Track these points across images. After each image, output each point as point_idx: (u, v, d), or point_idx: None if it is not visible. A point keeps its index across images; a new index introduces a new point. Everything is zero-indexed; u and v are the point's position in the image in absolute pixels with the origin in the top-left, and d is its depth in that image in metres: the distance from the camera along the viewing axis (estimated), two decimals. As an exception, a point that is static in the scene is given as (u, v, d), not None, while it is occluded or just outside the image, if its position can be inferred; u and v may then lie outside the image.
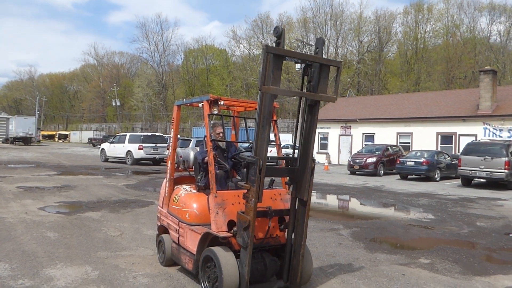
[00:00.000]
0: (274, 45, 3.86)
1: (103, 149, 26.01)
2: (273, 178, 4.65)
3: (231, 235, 4.10)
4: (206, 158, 4.90)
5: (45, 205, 9.48)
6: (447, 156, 20.79)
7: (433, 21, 53.25)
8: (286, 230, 4.47)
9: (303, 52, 40.33)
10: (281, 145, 5.13)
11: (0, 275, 4.76)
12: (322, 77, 4.06)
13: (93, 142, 55.63)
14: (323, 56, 4.19)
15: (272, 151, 17.93)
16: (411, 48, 54.53)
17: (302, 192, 4.21)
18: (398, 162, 20.55)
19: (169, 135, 5.75)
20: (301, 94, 4.14)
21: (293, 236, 4.38)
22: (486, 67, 27.11)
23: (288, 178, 4.44)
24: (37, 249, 5.87)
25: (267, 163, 3.95)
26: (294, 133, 4.66)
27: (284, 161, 4.65)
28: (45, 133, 76.72)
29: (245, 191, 3.95)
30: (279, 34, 3.78)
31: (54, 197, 10.76)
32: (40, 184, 13.04)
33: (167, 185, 5.40)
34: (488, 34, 50.50)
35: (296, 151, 4.36)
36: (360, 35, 57.04)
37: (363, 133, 30.01)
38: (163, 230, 5.44)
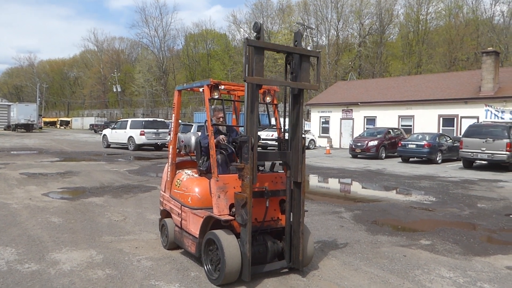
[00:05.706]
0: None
1: (105, 135, 26.04)
2: (274, 162, 4.74)
3: (233, 218, 4.16)
4: None
5: (49, 191, 9.56)
6: (448, 139, 20.76)
7: (436, 2, 52.57)
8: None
9: (304, 35, 40.12)
10: (282, 129, 5.15)
11: (7, 259, 4.84)
12: (303, 68, 4.30)
13: (95, 128, 55.64)
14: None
15: (273, 135, 17.96)
16: (413, 30, 53.95)
17: (296, 174, 4.38)
18: (399, 145, 20.52)
19: (171, 120, 5.76)
20: (284, 83, 4.37)
21: (291, 216, 4.46)
22: (488, 49, 26.85)
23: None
24: (42, 234, 5.95)
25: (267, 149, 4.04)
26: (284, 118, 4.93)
27: (278, 144, 4.79)
28: (47, 119, 76.74)
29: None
30: (258, 29, 4.05)
31: (57, 183, 10.83)
32: (43, 170, 13.11)
33: (169, 170, 5.44)
34: (491, 15, 49.84)
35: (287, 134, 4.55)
36: (362, 17, 56.42)
37: (365, 117, 29.94)
38: (166, 214, 5.50)
